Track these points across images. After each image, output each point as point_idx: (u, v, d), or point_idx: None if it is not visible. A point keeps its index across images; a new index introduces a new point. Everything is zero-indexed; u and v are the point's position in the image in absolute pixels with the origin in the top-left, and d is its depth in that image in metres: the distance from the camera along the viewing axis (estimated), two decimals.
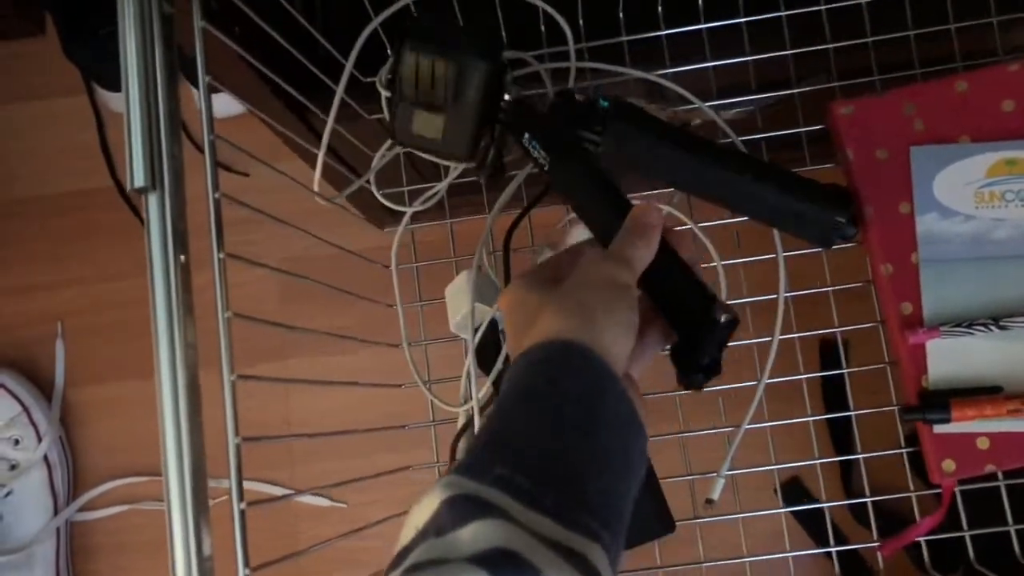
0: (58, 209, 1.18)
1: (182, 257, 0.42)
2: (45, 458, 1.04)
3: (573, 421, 0.37)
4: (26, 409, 1.05)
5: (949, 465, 0.56)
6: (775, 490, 0.87)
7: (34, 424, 1.05)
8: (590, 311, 0.40)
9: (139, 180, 0.40)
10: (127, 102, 0.40)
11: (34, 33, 1.19)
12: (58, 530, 1.05)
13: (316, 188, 0.63)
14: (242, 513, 0.43)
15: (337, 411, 1.04)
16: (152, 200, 0.41)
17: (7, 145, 1.20)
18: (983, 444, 0.56)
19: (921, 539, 0.60)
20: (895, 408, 0.60)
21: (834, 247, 0.63)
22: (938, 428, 0.56)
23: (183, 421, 0.40)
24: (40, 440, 1.04)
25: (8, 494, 1.02)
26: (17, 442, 1.03)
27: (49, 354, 1.13)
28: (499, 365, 0.59)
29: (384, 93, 0.59)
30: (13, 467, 1.03)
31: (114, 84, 1.12)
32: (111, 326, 1.14)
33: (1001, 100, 0.58)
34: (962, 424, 0.55)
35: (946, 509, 0.57)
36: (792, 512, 0.84)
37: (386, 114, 0.58)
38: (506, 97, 0.54)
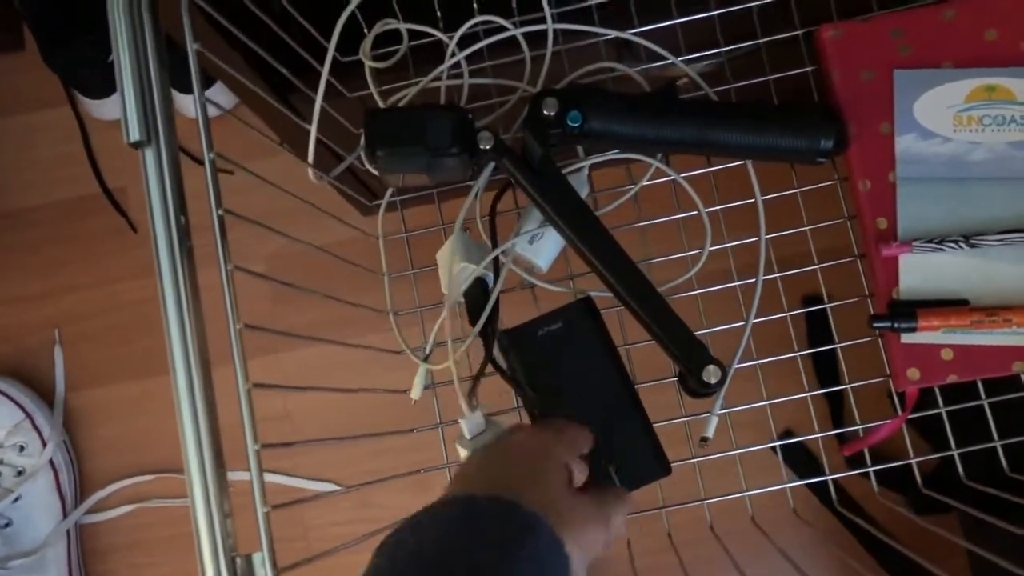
0: (48, 219, 1.19)
1: (182, 218, 0.44)
2: (51, 462, 1.05)
3: None
4: (29, 415, 1.06)
5: (914, 373, 0.58)
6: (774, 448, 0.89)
7: (38, 430, 1.06)
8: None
9: (134, 135, 0.42)
10: (117, 62, 0.42)
11: (13, 48, 1.20)
12: (68, 532, 1.06)
13: (311, 165, 0.65)
14: (258, 457, 0.44)
15: (335, 401, 1.05)
16: (149, 155, 0.42)
17: None
18: (947, 355, 0.58)
19: (870, 470, 0.62)
20: (878, 339, 0.62)
21: (813, 185, 0.66)
22: (905, 338, 0.58)
23: (192, 360, 0.42)
24: (44, 445, 1.05)
25: (17, 499, 1.03)
26: (22, 448, 1.04)
27: (48, 361, 1.14)
28: (485, 316, 0.61)
29: (372, 170, 0.62)
30: (20, 473, 1.04)
31: (95, 92, 1.13)
32: (107, 330, 1.15)
33: (985, 29, 0.60)
34: (928, 335, 0.57)
35: (909, 413, 0.59)
36: (784, 451, 0.86)
37: (370, 168, 0.61)
38: (481, 147, 0.58)
